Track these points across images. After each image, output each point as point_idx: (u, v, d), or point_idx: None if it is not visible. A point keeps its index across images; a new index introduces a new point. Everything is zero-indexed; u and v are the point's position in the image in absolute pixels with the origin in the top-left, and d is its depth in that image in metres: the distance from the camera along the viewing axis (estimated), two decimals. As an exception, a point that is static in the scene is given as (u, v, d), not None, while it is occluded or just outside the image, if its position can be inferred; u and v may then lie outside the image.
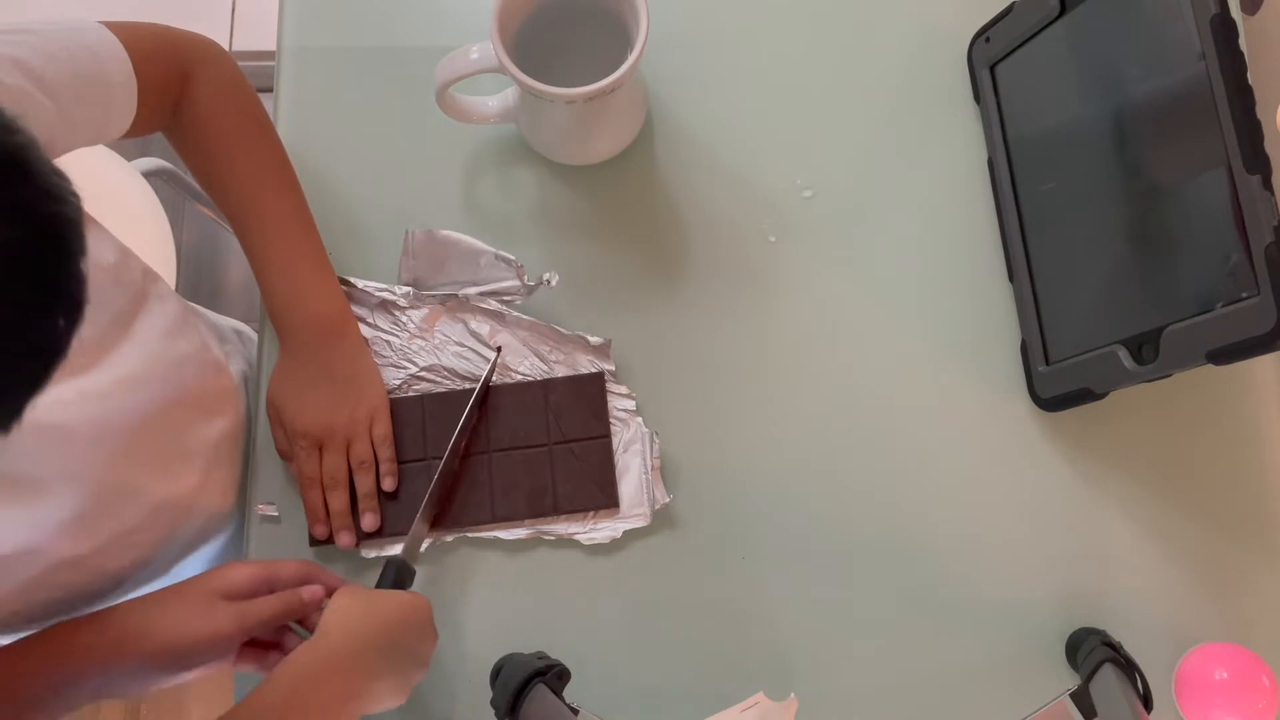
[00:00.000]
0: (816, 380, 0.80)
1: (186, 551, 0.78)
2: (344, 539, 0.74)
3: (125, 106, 0.66)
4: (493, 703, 0.67)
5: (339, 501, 0.74)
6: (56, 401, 0.59)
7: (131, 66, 0.66)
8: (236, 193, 0.74)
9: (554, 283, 0.76)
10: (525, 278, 0.77)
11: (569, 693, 0.68)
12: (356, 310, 0.78)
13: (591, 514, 0.76)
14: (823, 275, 0.81)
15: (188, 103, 0.72)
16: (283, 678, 0.61)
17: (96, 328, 0.64)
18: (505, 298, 0.78)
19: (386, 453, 0.76)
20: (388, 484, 0.75)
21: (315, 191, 0.80)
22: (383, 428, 0.76)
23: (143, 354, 0.67)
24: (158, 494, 0.70)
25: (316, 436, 0.74)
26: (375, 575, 0.74)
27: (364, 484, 0.75)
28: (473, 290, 0.78)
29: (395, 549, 0.75)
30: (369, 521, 0.75)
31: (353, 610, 0.66)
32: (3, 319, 0.37)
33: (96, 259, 0.63)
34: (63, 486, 0.62)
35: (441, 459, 0.75)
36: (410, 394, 0.78)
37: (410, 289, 0.79)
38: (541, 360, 0.78)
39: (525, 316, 0.78)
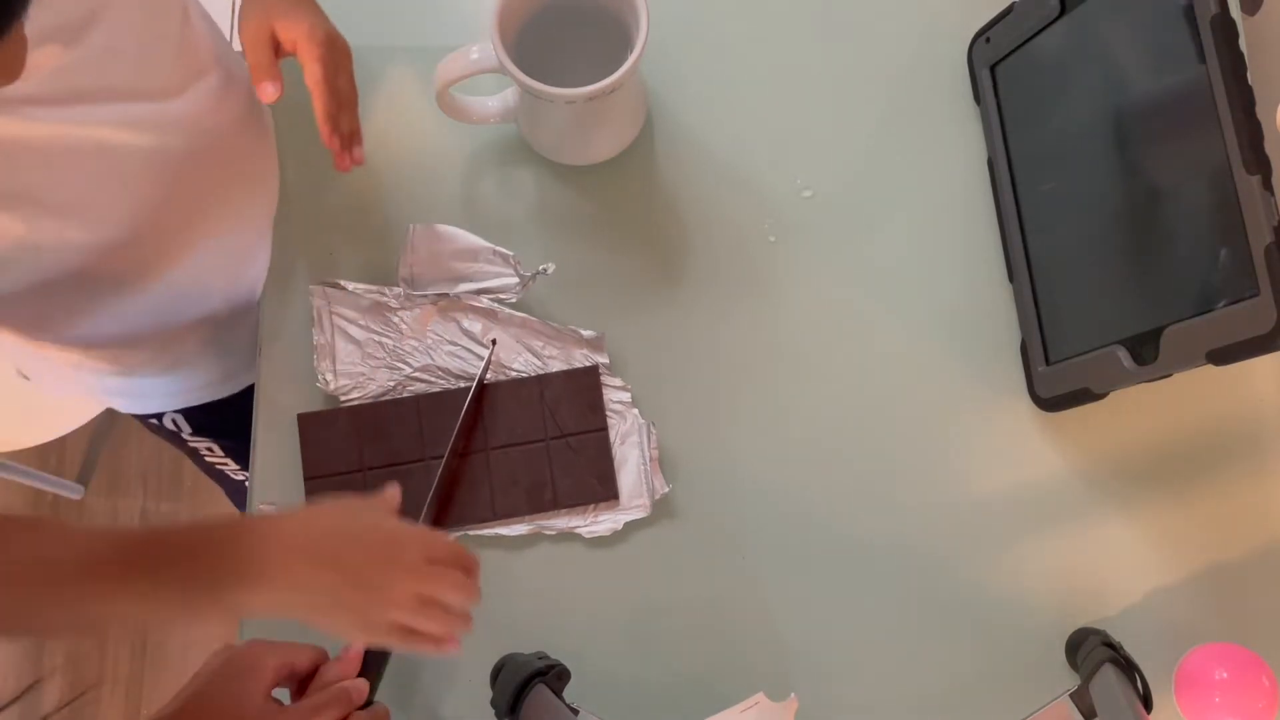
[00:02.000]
0: (816, 379, 0.80)
1: (222, 327, 0.82)
2: (342, 160, 0.75)
3: None
4: (493, 703, 0.67)
5: (349, 122, 0.75)
6: (122, 120, 0.64)
7: None
8: None
9: (550, 270, 0.76)
10: (521, 268, 0.77)
11: (569, 693, 0.68)
12: (348, 311, 0.78)
13: (592, 507, 0.76)
14: (823, 275, 0.81)
15: None
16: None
17: (163, 61, 0.67)
18: (499, 296, 0.78)
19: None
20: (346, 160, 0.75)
21: (313, 192, 0.80)
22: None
23: (199, 99, 0.71)
24: (193, 238, 0.73)
25: (318, 41, 0.72)
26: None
27: (346, 122, 0.74)
28: (465, 288, 0.78)
29: None
30: (357, 154, 0.76)
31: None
32: None
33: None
34: (105, 205, 0.66)
35: (439, 458, 0.75)
36: (405, 395, 0.78)
37: (402, 290, 0.79)
38: (535, 356, 0.78)
39: (517, 313, 0.78)
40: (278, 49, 0.73)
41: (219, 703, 0.61)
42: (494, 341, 0.78)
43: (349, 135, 0.75)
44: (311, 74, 0.72)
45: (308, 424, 0.77)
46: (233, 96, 0.75)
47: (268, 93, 0.72)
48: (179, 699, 0.61)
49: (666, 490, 0.76)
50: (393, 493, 0.66)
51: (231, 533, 0.61)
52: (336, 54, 0.74)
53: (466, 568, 0.65)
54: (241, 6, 0.74)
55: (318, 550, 0.61)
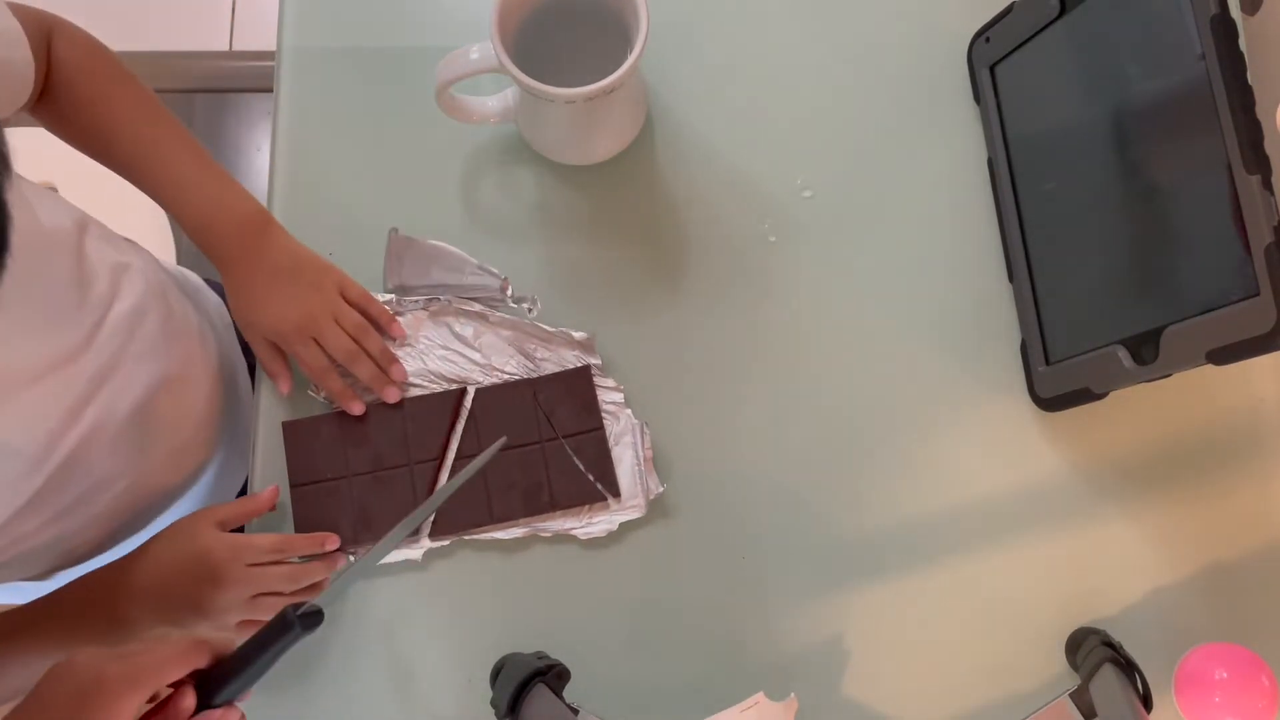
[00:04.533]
0: (816, 380, 0.80)
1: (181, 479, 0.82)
2: (391, 394, 0.76)
3: (23, 84, 0.67)
4: (493, 703, 0.67)
5: (366, 371, 0.76)
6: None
7: (28, 43, 0.66)
8: (127, 135, 0.74)
9: (534, 312, 0.78)
10: (510, 291, 0.78)
11: (569, 693, 0.68)
12: None
13: (587, 508, 0.76)
14: (822, 275, 0.81)
15: (56, 65, 0.72)
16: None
17: (67, 321, 0.68)
18: (490, 300, 0.78)
19: (376, 308, 0.77)
20: (396, 330, 0.77)
21: (314, 192, 0.80)
22: (355, 289, 0.77)
23: (113, 336, 0.71)
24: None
25: (304, 328, 0.74)
26: (376, 576, 0.74)
27: (374, 344, 0.76)
28: (456, 292, 0.78)
29: (395, 555, 0.75)
30: (399, 372, 0.77)
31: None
32: None
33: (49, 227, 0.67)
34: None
35: (425, 462, 0.75)
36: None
37: (394, 295, 0.79)
38: (528, 358, 0.78)
39: (509, 316, 0.78)
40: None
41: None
42: (504, 440, 0.72)
43: (340, 392, 0.76)
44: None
45: (292, 431, 0.77)
46: (149, 306, 0.75)
47: (281, 389, 0.78)
48: None
49: (661, 490, 0.76)
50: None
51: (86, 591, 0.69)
52: (293, 338, 0.75)
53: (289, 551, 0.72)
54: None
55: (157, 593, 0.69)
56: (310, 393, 0.77)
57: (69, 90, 0.72)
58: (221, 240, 0.75)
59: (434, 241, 0.79)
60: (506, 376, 0.78)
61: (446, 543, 0.76)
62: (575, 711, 0.64)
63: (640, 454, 0.76)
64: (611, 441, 0.77)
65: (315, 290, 0.75)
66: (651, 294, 0.81)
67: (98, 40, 0.75)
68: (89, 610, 0.69)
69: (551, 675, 0.67)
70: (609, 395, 0.78)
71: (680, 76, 0.84)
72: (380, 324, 0.77)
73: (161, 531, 0.72)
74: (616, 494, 0.76)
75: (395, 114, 0.84)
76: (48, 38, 0.71)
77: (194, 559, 0.70)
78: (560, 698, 0.65)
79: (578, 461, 0.76)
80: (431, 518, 0.75)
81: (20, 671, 0.67)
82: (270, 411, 0.78)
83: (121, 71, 0.75)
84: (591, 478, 0.76)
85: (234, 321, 0.77)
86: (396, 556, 0.75)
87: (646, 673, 0.75)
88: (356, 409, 0.76)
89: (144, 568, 0.70)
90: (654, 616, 0.76)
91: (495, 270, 0.78)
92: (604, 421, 0.77)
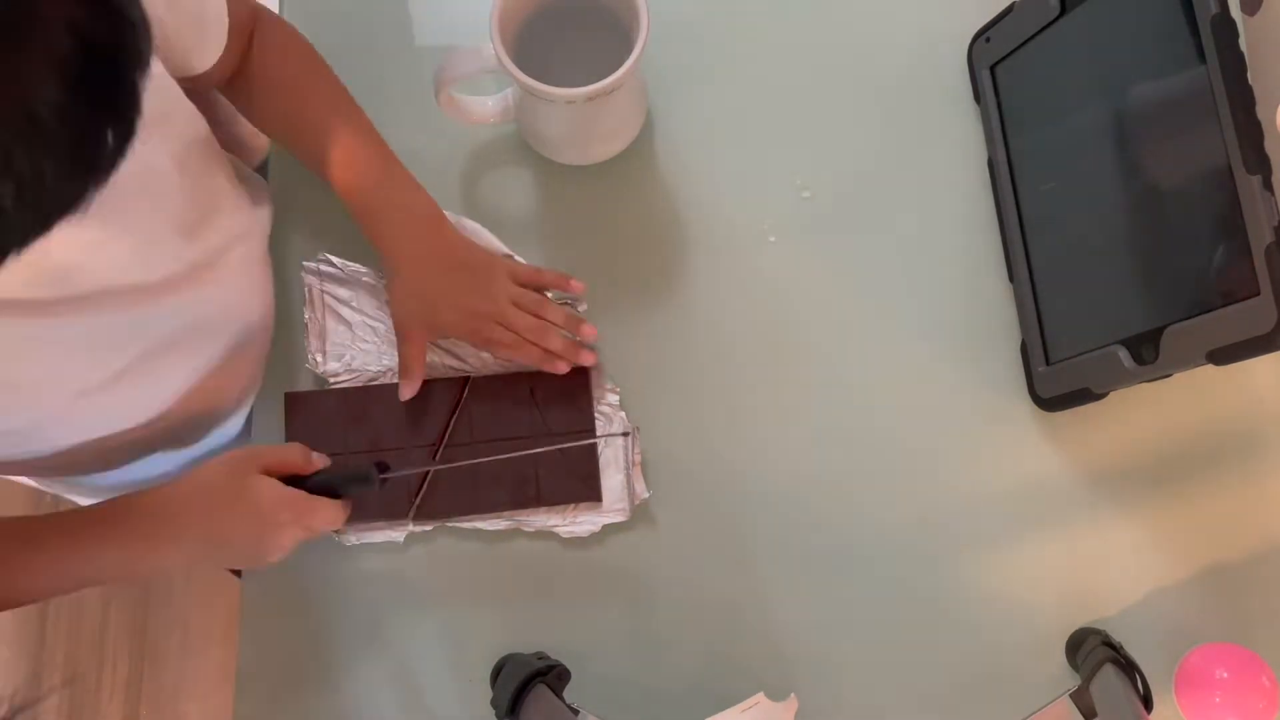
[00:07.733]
0: (816, 380, 0.80)
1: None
2: (586, 358, 0.76)
3: (216, 41, 0.68)
4: (493, 703, 0.67)
5: (557, 343, 0.76)
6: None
7: (225, 4, 0.67)
8: (315, 123, 0.75)
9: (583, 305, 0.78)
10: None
11: (569, 693, 0.68)
12: (341, 292, 0.79)
13: (572, 507, 0.76)
14: (823, 275, 0.81)
15: (258, 47, 0.73)
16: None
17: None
18: None
19: (549, 276, 0.77)
20: (574, 286, 0.77)
21: (312, 192, 0.80)
22: (523, 270, 0.77)
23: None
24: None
25: (492, 315, 0.75)
26: (360, 559, 0.74)
27: (556, 315, 0.76)
28: None
29: (377, 536, 0.75)
30: (588, 332, 0.76)
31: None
32: (53, 101, 0.35)
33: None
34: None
35: (422, 446, 0.76)
36: (393, 381, 0.77)
37: None
38: None
39: None
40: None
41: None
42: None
43: (541, 358, 0.76)
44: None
45: (294, 404, 0.77)
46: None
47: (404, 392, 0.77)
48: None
49: (646, 496, 0.76)
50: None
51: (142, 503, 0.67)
52: (481, 328, 0.75)
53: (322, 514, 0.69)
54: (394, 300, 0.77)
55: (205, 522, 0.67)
56: (308, 366, 0.78)
57: (264, 71, 0.73)
58: (398, 237, 0.75)
59: (470, 221, 0.79)
60: (504, 368, 0.78)
61: (429, 528, 0.76)
62: (575, 712, 0.64)
63: (629, 458, 0.76)
64: (603, 445, 0.77)
65: (490, 280, 0.75)
66: (651, 294, 0.81)
67: (296, 30, 0.76)
68: (129, 526, 0.67)
69: (552, 675, 0.67)
70: (606, 397, 0.78)
71: (680, 77, 0.84)
72: (558, 287, 0.77)
73: (207, 466, 0.68)
74: (598, 498, 0.76)
75: (395, 114, 0.83)
76: (252, 18, 0.73)
77: (240, 500, 0.67)
78: (560, 698, 0.65)
79: (563, 460, 0.76)
80: (417, 502, 0.75)
81: (48, 574, 0.66)
82: (268, 385, 0.79)
83: (317, 61, 0.76)
84: (575, 479, 0.76)
85: (394, 318, 0.77)
86: (379, 537, 0.75)
87: (647, 673, 0.75)
88: (562, 368, 0.76)
89: (191, 502, 0.67)
90: (654, 617, 0.76)
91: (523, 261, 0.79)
92: (597, 423, 0.77)
